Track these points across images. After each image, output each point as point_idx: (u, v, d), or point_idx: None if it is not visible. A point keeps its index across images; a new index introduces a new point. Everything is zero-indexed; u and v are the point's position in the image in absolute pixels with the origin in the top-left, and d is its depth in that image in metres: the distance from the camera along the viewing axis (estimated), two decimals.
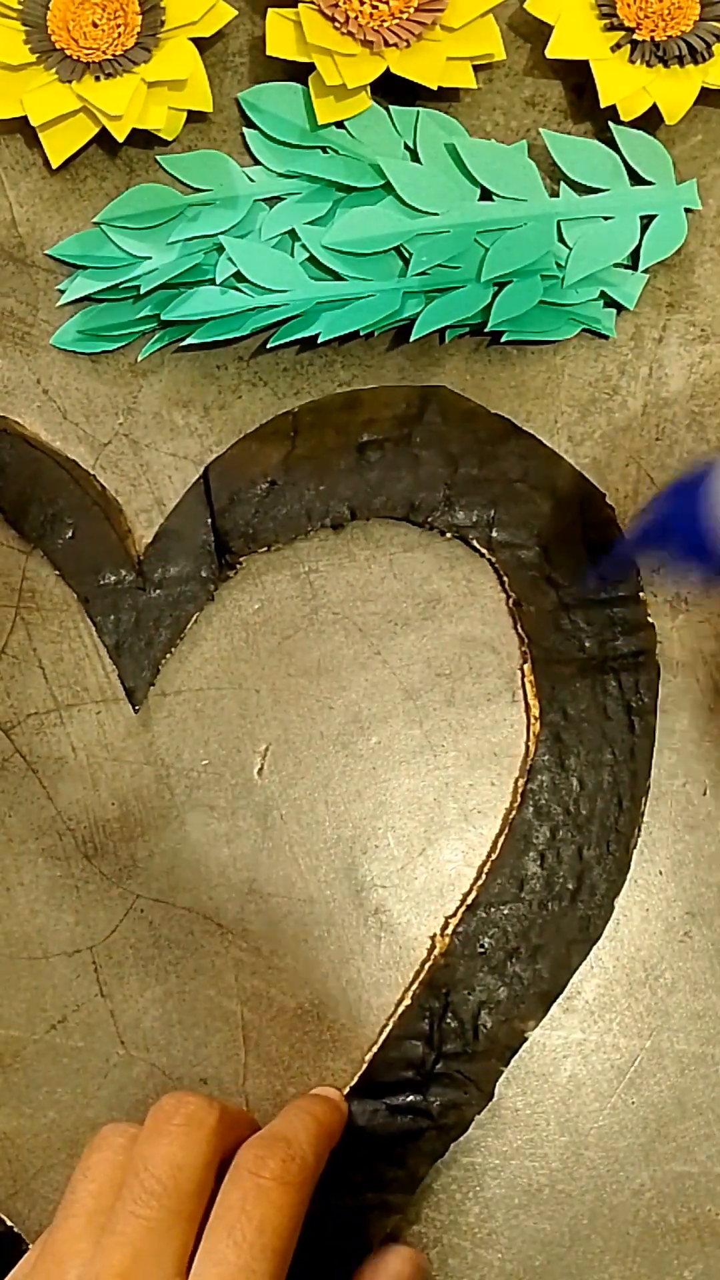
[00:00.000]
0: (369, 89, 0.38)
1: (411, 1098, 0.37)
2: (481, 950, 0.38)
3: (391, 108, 0.39)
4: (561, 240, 0.39)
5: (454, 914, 0.39)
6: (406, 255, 0.39)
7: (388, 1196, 0.37)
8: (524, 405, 0.40)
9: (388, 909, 0.39)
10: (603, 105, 0.38)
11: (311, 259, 0.39)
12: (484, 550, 0.39)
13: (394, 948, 0.39)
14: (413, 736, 0.39)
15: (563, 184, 0.39)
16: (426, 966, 0.38)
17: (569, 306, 0.39)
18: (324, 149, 0.39)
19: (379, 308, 0.38)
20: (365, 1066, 0.38)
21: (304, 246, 0.39)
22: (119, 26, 0.38)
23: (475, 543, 0.39)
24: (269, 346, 0.39)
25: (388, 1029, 0.38)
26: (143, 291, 0.39)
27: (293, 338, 0.39)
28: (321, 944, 0.39)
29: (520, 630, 0.39)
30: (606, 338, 0.40)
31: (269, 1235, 0.30)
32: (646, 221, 0.39)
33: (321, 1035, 0.38)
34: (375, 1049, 0.38)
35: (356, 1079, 0.38)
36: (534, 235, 0.39)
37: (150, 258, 0.39)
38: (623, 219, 0.39)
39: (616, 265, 0.39)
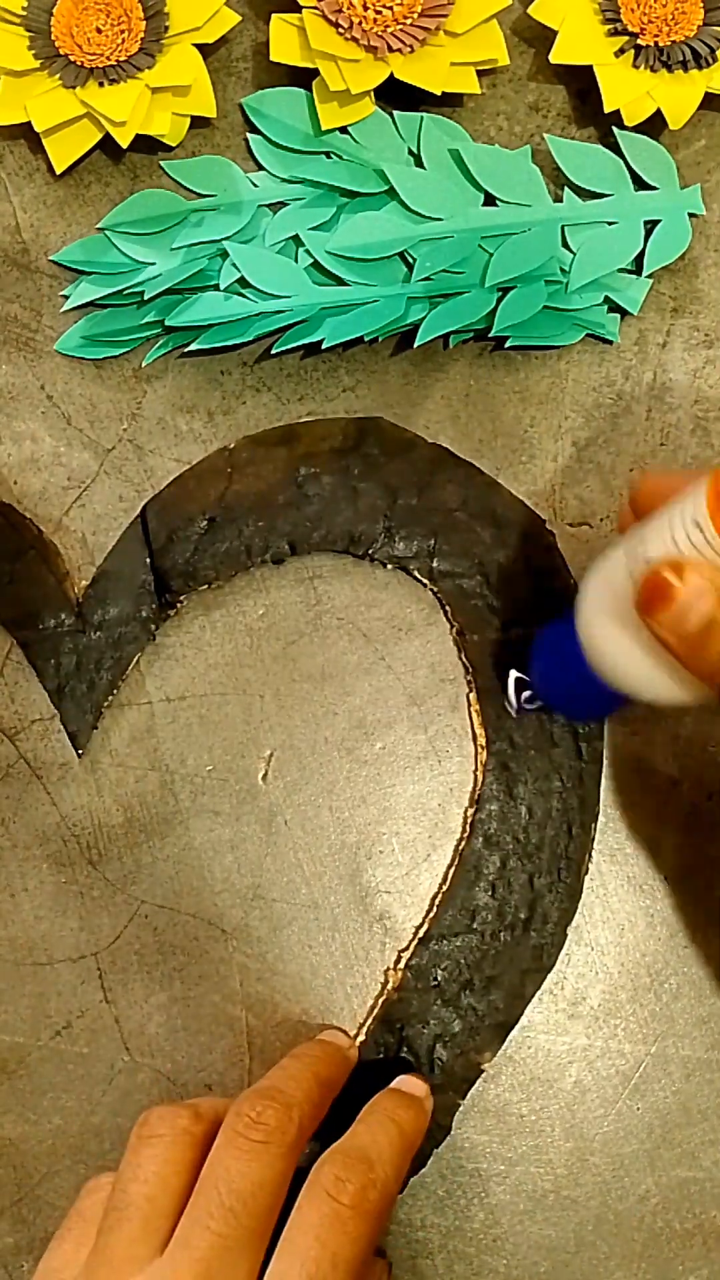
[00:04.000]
0: (373, 94, 0.38)
1: None
2: (435, 983, 0.38)
3: (395, 113, 0.39)
4: (565, 245, 0.39)
5: (406, 947, 0.38)
6: (410, 261, 0.39)
7: None
8: (528, 410, 0.40)
9: (392, 915, 0.39)
10: (606, 110, 0.38)
11: (315, 264, 0.39)
12: (426, 580, 0.39)
13: (398, 954, 0.39)
14: (417, 742, 0.39)
15: (566, 189, 0.39)
16: (380, 1001, 0.38)
17: (573, 312, 0.39)
18: (328, 154, 0.39)
19: (383, 313, 0.38)
20: None
21: (308, 252, 0.39)
22: (123, 32, 0.38)
23: (417, 573, 0.39)
24: (273, 352, 0.39)
25: None
26: (147, 297, 0.39)
27: (297, 343, 0.39)
28: (326, 950, 0.39)
29: (465, 660, 0.39)
30: (611, 343, 0.40)
31: (341, 1270, 0.29)
32: (650, 226, 0.39)
33: None
34: None
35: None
36: (538, 240, 0.39)
37: (154, 263, 0.39)
38: (627, 224, 0.39)
39: (621, 270, 0.39)
